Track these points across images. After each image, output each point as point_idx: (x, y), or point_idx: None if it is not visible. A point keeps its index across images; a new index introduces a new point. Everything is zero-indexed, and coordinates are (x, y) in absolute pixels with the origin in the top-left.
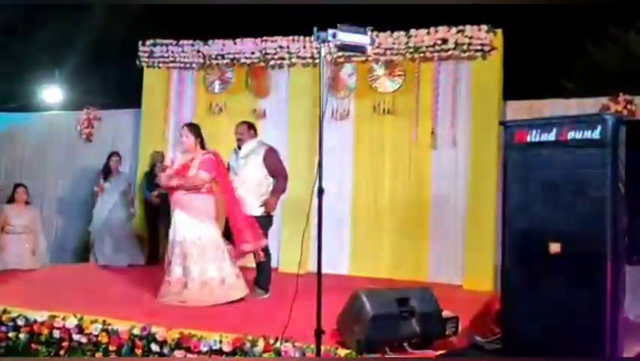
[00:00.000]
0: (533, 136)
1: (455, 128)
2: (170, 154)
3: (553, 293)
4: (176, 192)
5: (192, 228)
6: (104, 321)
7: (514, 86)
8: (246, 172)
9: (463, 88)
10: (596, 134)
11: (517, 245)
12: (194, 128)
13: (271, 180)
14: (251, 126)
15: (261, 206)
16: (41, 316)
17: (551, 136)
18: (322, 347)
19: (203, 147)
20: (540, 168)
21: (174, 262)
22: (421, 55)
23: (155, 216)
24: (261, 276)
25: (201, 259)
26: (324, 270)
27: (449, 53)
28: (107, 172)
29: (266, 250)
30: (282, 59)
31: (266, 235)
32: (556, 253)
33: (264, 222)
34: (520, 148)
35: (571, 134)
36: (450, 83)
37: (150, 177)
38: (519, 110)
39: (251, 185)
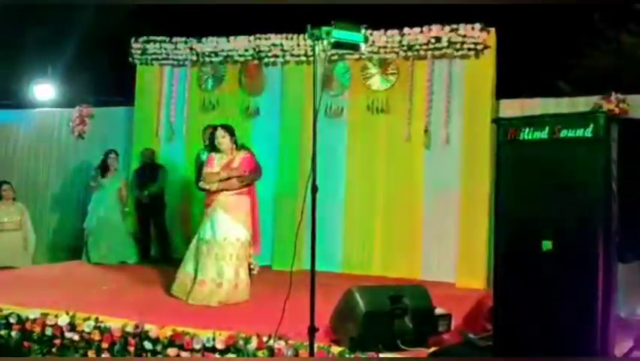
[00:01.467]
0: (526, 134)
1: (448, 127)
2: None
3: (545, 291)
4: (220, 193)
5: (232, 229)
6: (97, 319)
7: (507, 85)
8: None
9: (457, 86)
10: (588, 133)
11: (509, 243)
12: (230, 129)
13: None
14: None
15: None
16: (33, 313)
17: (544, 134)
18: (315, 345)
19: (237, 146)
20: (532, 166)
21: (209, 262)
22: (415, 53)
23: (146, 215)
24: None
25: (238, 260)
26: (318, 268)
27: (443, 51)
28: (104, 169)
29: None
30: (276, 56)
31: None
32: (548, 251)
33: None
34: (513, 146)
35: (563, 133)
36: (443, 81)
37: (140, 174)
38: (512, 108)
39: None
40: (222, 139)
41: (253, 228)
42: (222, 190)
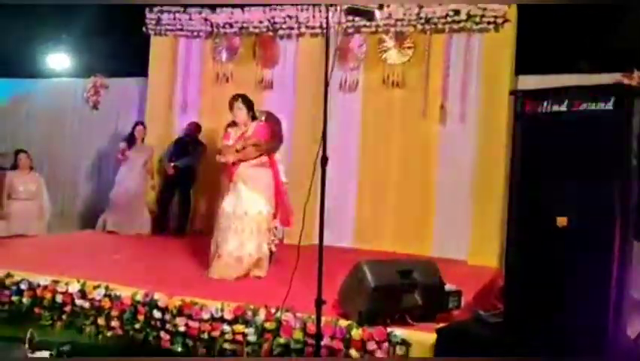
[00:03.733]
0: (544, 107)
1: (465, 103)
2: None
3: (558, 268)
4: (239, 165)
5: (253, 202)
6: (107, 287)
7: (527, 60)
8: None
9: (475, 61)
10: (609, 105)
11: (522, 218)
12: (248, 101)
13: None
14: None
15: None
16: (44, 280)
17: (563, 107)
18: (323, 318)
19: (254, 119)
20: (550, 140)
21: (231, 236)
22: (433, 26)
23: (172, 187)
24: None
25: (259, 234)
26: (328, 243)
27: (461, 24)
28: (131, 141)
29: None
30: (291, 28)
31: None
32: (563, 227)
33: None
34: (531, 119)
35: (583, 106)
36: (461, 56)
37: (177, 146)
38: (531, 85)
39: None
40: (239, 111)
41: (277, 200)
42: (240, 162)
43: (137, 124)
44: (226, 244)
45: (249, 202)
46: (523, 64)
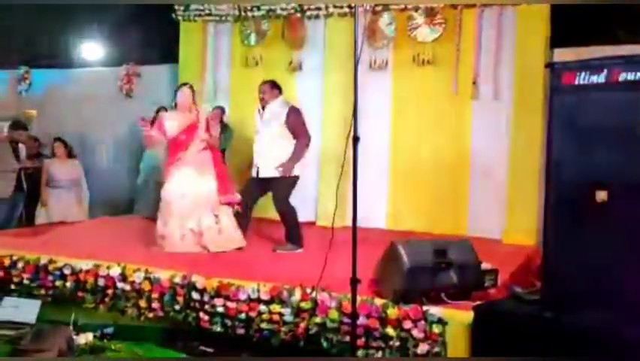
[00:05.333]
0: (582, 78)
1: (498, 79)
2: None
3: (597, 244)
4: (189, 149)
5: (195, 181)
6: (147, 270)
7: (563, 33)
8: (268, 136)
9: (508, 36)
10: None
11: (561, 194)
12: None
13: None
14: (274, 85)
15: (277, 168)
16: (86, 265)
17: (601, 78)
18: (359, 297)
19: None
20: (589, 113)
21: (176, 214)
22: (463, 1)
23: None
24: (290, 231)
25: (199, 211)
26: (362, 224)
27: None
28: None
29: (288, 205)
30: (319, 9)
31: (287, 196)
32: (602, 201)
33: (283, 184)
34: (568, 91)
35: (622, 76)
36: (493, 30)
37: None
38: (567, 58)
39: (271, 149)
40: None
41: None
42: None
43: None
44: (186, 222)
45: (195, 181)
46: (559, 36)
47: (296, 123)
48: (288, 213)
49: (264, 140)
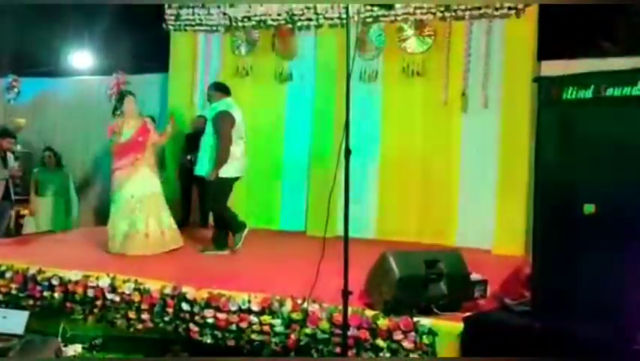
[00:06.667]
0: (569, 93)
1: (487, 90)
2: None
3: (585, 256)
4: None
5: (153, 181)
6: (136, 281)
7: (550, 46)
8: (205, 136)
9: (496, 48)
10: (636, 90)
11: (549, 206)
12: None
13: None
14: (218, 87)
15: (206, 168)
16: (75, 275)
17: (588, 93)
18: (349, 308)
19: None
20: (577, 127)
21: (139, 214)
22: (452, 13)
23: (189, 181)
24: (215, 233)
25: (158, 211)
26: (351, 234)
27: (481, 10)
28: None
29: (216, 206)
30: (309, 20)
31: (215, 197)
32: (590, 214)
33: (209, 185)
34: (555, 106)
35: (609, 91)
36: (482, 43)
37: (189, 140)
38: (554, 70)
39: (205, 149)
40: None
41: None
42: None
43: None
44: (138, 224)
45: (153, 181)
46: (546, 49)
47: (217, 126)
48: (215, 215)
49: (203, 140)
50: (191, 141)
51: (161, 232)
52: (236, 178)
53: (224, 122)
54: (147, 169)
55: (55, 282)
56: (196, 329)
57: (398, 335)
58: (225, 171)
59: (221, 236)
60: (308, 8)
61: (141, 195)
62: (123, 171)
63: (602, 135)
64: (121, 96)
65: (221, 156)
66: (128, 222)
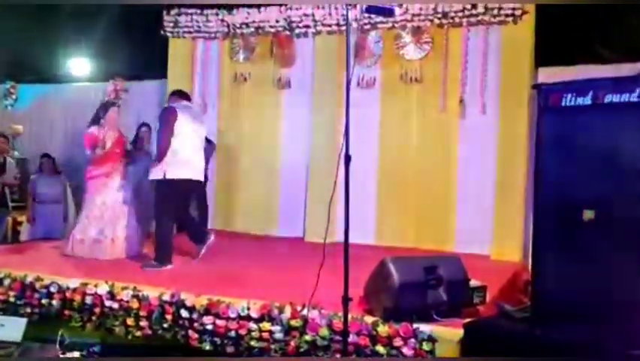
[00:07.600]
0: (568, 100)
1: (484, 97)
2: None
3: (584, 262)
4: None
5: (124, 190)
6: (135, 288)
7: (547, 53)
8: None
9: (493, 55)
10: (634, 97)
11: (549, 212)
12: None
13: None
14: (175, 93)
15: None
16: (73, 283)
17: (587, 100)
18: (349, 315)
19: None
20: (576, 133)
21: (108, 221)
22: (450, 20)
23: None
24: (156, 246)
25: (126, 219)
26: (350, 239)
27: (479, 17)
28: (136, 144)
29: (156, 213)
30: (307, 27)
31: (157, 203)
32: (589, 220)
33: (153, 188)
34: (554, 112)
35: (608, 98)
36: (479, 49)
37: None
38: (551, 77)
39: None
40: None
41: None
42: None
43: (141, 126)
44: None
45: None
46: (543, 56)
47: (158, 122)
48: (155, 224)
49: None
50: None
51: (124, 238)
52: (189, 181)
53: (161, 116)
54: (120, 178)
55: (53, 289)
56: (195, 336)
57: (398, 342)
58: (171, 173)
59: (159, 250)
60: (306, 15)
61: (112, 202)
62: (99, 179)
63: (601, 142)
64: (105, 106)
65: (157, 156)
66: (98, 228)
